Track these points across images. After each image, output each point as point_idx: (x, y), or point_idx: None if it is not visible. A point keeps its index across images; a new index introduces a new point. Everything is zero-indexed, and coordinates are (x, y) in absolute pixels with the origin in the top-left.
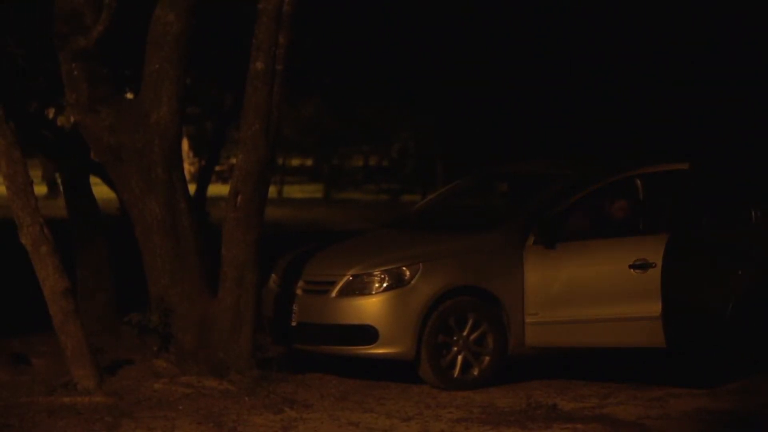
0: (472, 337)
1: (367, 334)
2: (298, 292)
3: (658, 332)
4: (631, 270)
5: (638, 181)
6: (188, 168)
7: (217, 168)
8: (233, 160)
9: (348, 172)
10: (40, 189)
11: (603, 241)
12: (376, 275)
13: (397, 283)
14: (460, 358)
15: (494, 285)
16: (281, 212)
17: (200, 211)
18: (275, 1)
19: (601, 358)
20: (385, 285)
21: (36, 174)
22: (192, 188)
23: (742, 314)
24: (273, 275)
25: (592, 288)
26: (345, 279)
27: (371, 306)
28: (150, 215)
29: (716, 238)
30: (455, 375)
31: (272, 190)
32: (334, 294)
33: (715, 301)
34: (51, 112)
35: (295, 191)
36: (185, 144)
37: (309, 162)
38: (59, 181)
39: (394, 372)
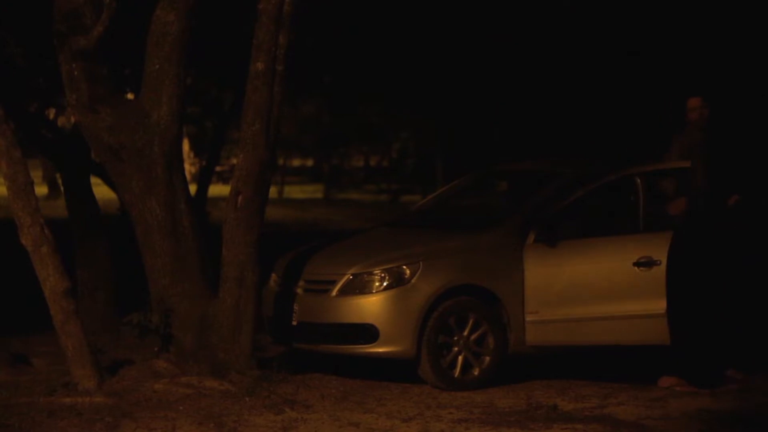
0: (473, 337)
1: (367, 333)
2: (299, 291)
3: (663, 330)
4: (636, 268)
5: (639, 179)
6: (189, 168)
7: (218, 168)
8: (234, 161)
9: (348, 172)
10: (41, 189)
11: (605, 239)
12: (376, 274)
13: (397, 281)
14: (460, 358)
15: (495, 284)
16: (282, 212)
17: (201, 212)
18: (275, 1)
19: (602, 358)
20: (385, 284)
21: (36, 174)
22: (193, 188)
23: (748, 312)
24: (273, 275)
25: (595, 286)
26: (345, 278)
27: (371, 305)
28: (150, 215)
29: (721, 236)
30: (456, 375)
31: (273, 191)
32: (334, 293)
33: (721, 298)
34: (51, 112)
35: (295, 191)
36: (186, 144)
37: (309, 162)
38: (60, 181)
39: (395, 372)
